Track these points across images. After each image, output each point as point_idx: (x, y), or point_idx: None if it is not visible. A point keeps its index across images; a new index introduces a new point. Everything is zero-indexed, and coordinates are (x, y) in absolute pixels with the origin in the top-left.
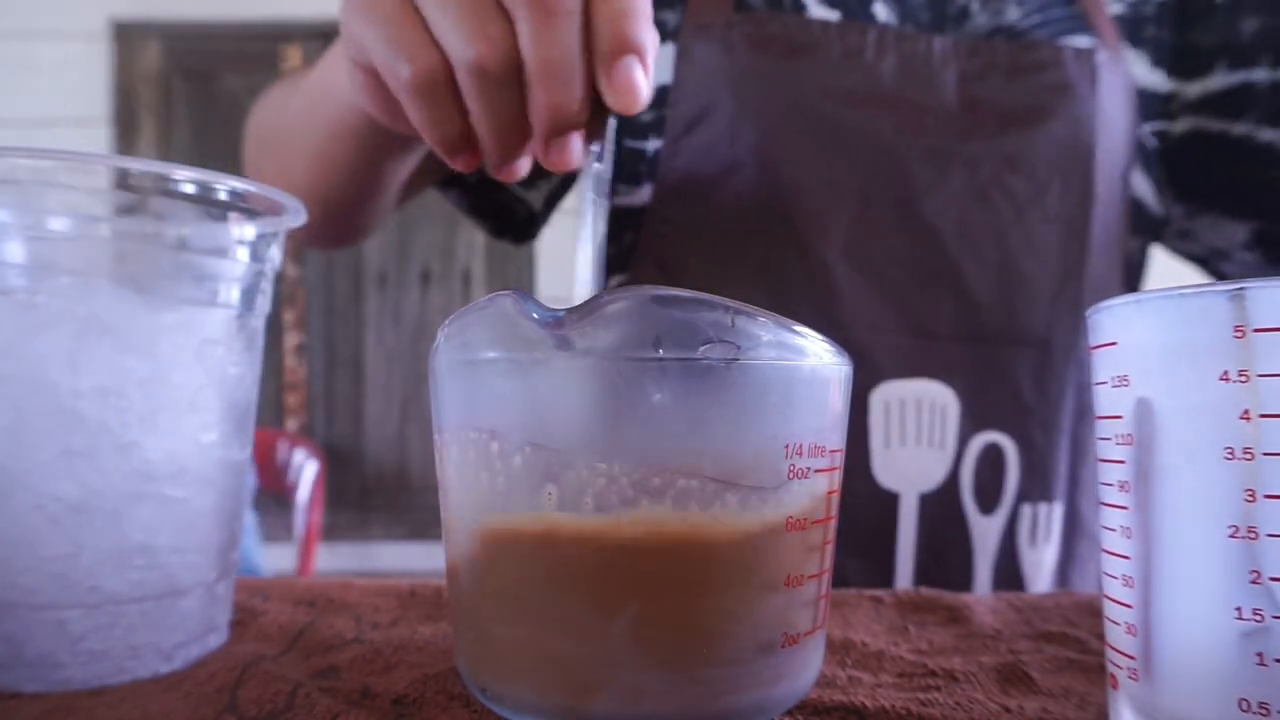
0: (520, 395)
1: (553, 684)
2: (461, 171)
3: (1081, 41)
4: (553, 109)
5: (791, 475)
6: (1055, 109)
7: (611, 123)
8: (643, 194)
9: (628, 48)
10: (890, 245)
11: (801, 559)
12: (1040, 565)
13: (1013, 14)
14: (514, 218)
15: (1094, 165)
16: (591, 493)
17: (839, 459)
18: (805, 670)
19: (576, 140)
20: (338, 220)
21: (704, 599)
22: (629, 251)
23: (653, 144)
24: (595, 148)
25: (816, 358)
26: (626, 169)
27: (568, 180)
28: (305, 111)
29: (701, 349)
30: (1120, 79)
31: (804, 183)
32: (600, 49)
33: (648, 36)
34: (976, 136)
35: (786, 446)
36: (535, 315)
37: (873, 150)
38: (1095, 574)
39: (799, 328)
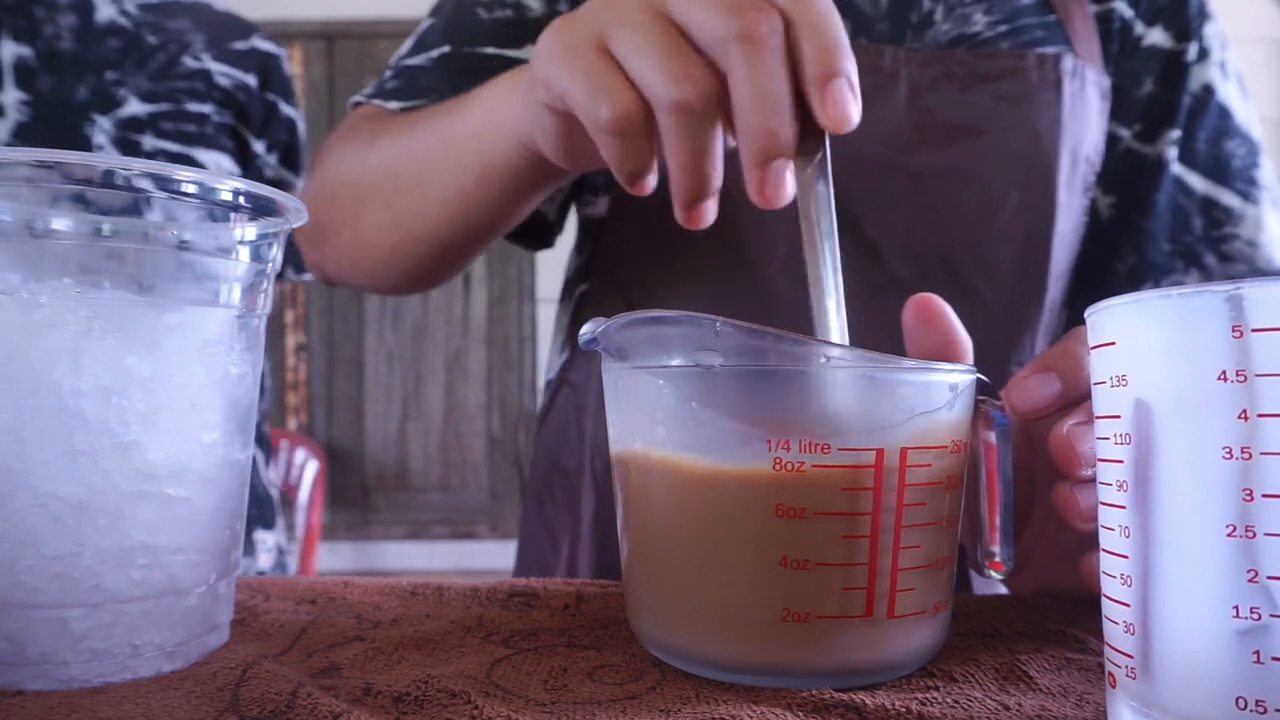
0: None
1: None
2: (639, 195)
3: (1050, 49)
4: (766, 134)
5: (776, 467)
6: (1011, 119)
7: (825, 149)
8: (601, 205)
9: (839, 72)
10: None
11: (807, 545)
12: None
13: (979, 23)
14: (545, 228)
15: (1057, 178)
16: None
17: (868, 458)
18: (823, 652)
19: (788, 171)
20: (449, 262)
21: (713, 561)
22: (590, 261)
23: None
24: (813, 171)
25: (793, 361)
26: (589, 179)
27: (575, 190)
28: (443, 156)
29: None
30: (1095, 86)
31: (745, 195)
32: (811, 75)
33: (853, 65)
34: (923, 149)
35: (769, 441)
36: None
37: None
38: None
39: (789, 335)
